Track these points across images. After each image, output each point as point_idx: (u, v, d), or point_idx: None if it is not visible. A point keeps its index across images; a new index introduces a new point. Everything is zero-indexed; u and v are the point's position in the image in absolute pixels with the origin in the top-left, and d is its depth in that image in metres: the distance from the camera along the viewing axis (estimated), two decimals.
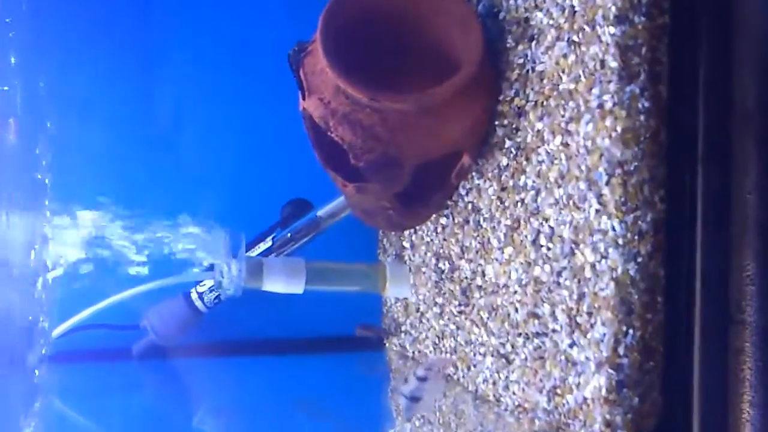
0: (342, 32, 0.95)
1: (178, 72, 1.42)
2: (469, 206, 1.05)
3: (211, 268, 1.23)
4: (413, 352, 1.26)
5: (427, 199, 1.06)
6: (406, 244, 1.25)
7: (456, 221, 1.08)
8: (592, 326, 0.84)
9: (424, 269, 1.18)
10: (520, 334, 0.94)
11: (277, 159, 1.42)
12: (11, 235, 1.01)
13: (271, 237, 1.31)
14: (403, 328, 1.29)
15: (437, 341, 1.15)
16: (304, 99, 0.97)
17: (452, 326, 1.10)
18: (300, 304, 1.31)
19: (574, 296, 0.86)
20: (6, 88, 0.86)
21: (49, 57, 1.33)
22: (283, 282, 1.19)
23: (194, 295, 1.30)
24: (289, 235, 1.30)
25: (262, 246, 1.30)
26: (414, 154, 0.94)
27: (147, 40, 1.41)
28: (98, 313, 1.25)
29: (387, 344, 1.37)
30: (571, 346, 0.86)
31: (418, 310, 1.22)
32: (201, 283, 1.30)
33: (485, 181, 1.01)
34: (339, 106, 0.94)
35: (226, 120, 1.42)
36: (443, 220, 1.11)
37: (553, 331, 0.89)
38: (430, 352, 1.18)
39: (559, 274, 0.88)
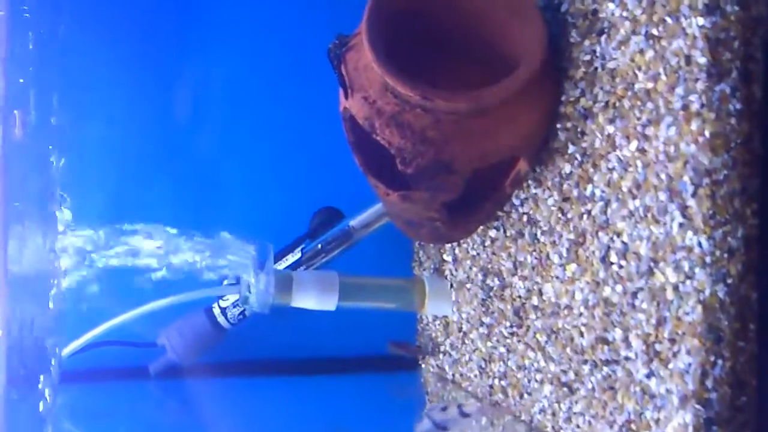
0: (389, 25, 0.86)
1: (200, 72, 1.33)
2: (524, 218, 0.95)
3: (236, 281, 1.15)
4: (453, 375, 1.16)
5: (477, 209, 0.96)
6: (448, 258, 1.15)
7: (508, 234, 0.99)
8: (674, 355, 0.74)
9: (468, 285, 1.09)
10: (585, 361, 0.85)
11: (305, 164, 1.33)
12: (23, 246, 0.92)
13: (299, 249, 1.21)
14: (442, 349, 1.20)
15: (483, 364, 1.06)
16: (346, 98, 0.88)
17: (502, 349, 1.01)
18: (328, 321, 1.22)
19: (653, 321, 0.76)
20: (21, 80, 0.78)
21: (65, 57, 1.25)
22: (314, 297, 1.10)
23: (217, 311, 1.21)
24: (319, 246, 1.21)
25: (291, 258, 1.21)
26: (468, 160, 0.85)
27: (166, 41, 1.32)
28: (113, 329, 1.16)
29: (423, 365, 1.28)
30: (648, 376, 0.77)
31: (460, 329, 1.12)
32: (224, 298, 1.21)
33: (544, 190, 0.92)
34: (386, 105, 0.85)
35: (249, 122, 1.33)
36: (492, 233, 1.02)
37: (626, 358, 0.80)
38: (475, 375, 1.08)
39: (634, 295, 0.79)
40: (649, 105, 0.77)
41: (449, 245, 1.14)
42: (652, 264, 0.77)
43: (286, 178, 1.33)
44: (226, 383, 1.27)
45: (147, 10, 1.33)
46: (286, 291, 1.09)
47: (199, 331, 1.21)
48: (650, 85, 0.77)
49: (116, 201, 1.24)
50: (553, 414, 0.90)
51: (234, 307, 1.21)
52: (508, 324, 0.99)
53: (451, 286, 1.14)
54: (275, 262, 1.21)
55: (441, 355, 1.20)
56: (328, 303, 1.11)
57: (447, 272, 1.16)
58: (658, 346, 0.76)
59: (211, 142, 1.31)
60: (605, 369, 0.82)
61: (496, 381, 1.02)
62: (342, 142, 1.30)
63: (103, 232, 1.12)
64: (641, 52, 0.78)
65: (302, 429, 1.19)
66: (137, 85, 1.29)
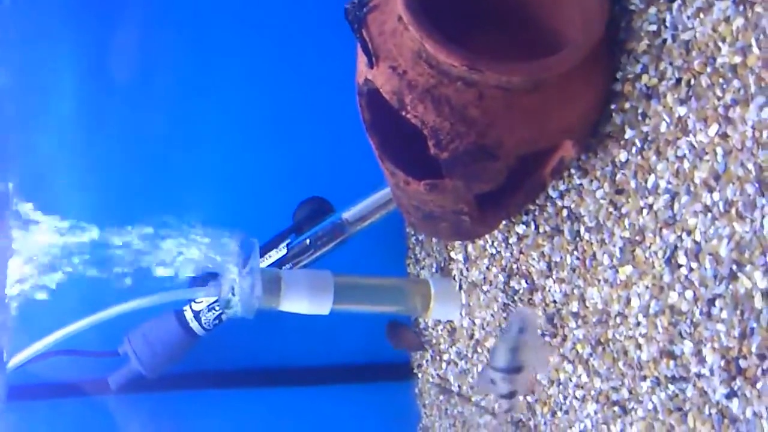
0: None
1: (176, 55, 1.16)
2: (564, 212, 0.84)
3: (205, 281, 1.00)
4: (460, 386, 1.04)
5: (504, 201, 0.84)
6: (457, 256, 1.03)
7: (541, 230, 0.87)
8: (765, 373, 0.64)
9: (485, 287, 0.96)
10: (644, 377, 0.74)
11: (288, 150, 1.18)
12: None
13: (284, 244, 1.07)
14: (444, 357, 1.07)
15: None
16: (371, 67, 0.74)
17: None
18: (312, 327, 1.08)
19: (735, 333, 0.66)
20: None
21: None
22: (306, 300, 0.97)
23: (189, 315, 1.06)
24: (307, 241, 1.07)
25: (275, 255, 1.07)
26: (515, 144, 0.72)
27: (144, 31, 1.15)
28: (68, 337, 0.99)
29: (420, 374, 1.15)
30: (728, 396, 0.66)
31: (471, 336, 1.00)
32: (197, 300, 1.05)
33: (591, 180, 0.80)
34: (419, 77, 0.72)
35: (225, 102, 1.17)
36: (520, 228, 0.90)
37: (699, 375, 0.69)
38: None
39: (710, 302, 0.68)
40: (736, 83, 0.66)
41: (459, 242, 1.02)
42: (734, 267, 0.66)
43: (267, 164, 1.17)
44: (198, 396, 1.11)
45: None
46: (274, 293, 0.95)
47: (168, 337, 1.05)
48: (738, 59, 0.66)
49: (86, 193, 1.08)
50: None
51: (209, 310, 1.05)
52: (538, 332, 0.87)
53: (460, 287, 1.02)
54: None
55: (444, 364, 1.08)
56: (322, 306, 0.98)
57: (455, 272, 1.03)
58: (742, 362, 0.65)
59: (183, 128, 1.15)
60: (671, 387, 0.71)
61: (520, 396, 0.90)
62: (330, 124, 1.18)
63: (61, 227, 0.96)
64: (727, 20, 0.67)
65: None
66: (113, 69, 1.12)
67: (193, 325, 1.05)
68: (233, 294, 0.94)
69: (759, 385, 0.64)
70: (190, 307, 1.06)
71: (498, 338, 0.76)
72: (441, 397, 1.07)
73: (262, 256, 1.07)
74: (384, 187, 1.06)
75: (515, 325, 0.72)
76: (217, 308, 1.04)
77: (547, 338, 0.86)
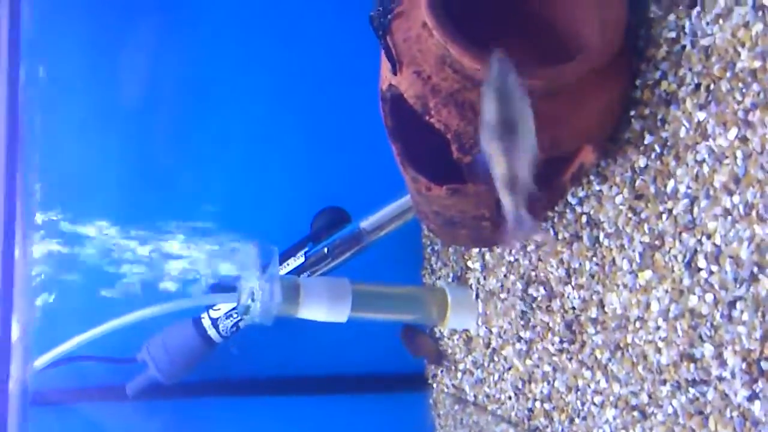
0: None
1: (198, 64, 1.18)
2: (583, 218, 0.84)
3: (218, 287, 1.01)
4: (476, 396, 1.04)
5: (528, 208, 0.85)
6: (474, 265, 1.04)
7: (560, 237, 0.88)
8: None
9: (503, 296, 0.97)
10: (664, 381, 0.74)
11: (306, 160, 1.19)
12: None
13: (302, 252, 1.08)
14: (460, 366, 1.07)
15: (521, 385, 0.94)
16: (394, 73, 0.75)
17: (546, 367, 0.89)
18: (323, 336, 1.09)
19: (756, 335, 0.66)
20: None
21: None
22: (325, 307, 0.97)
23: (206, 322, 1.06)
24: (325, 250, 1.07)
25: (293, 263, 1.07)
26: (539, 147, 0.73)
27: (165, 40, 1.18)
28: (87, 343, 1.00)
29: (435, 384, 1.15)
30: (750, 398, 0.66)
31: (488, 345, 1.00)
32: (215, 308, 1.06)
33: (611, 186, 0.81)
34: (443, 81, 0.73)
35: (246, 113, 1.19)
36: (539, 236, 0.91)
37: (720, 378, 0.69)
38: (509, 397, 0.96)
39: (731, 305, 0.68)
40: (755, 87, 0.67)
41: (477, 250, 1.02)
42: (755, 269, 0.66)
43: (286, 174, 1.19)
44: (213, 404, 1.12)
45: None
46: (293, 300, 0.96)
47: (185, 344, 1.05)
48: (757, 63, 0.67)
49: (105, 200, 1.10)
50: None
51: (227, 317, 1.06)
52: (556, 339, 0.88)
53: (477, 296, 1.02)
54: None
55: (459, 374, 1.08)
56: (340, 314, 0.98)
57: (472, 281, 1.04)
58: (764, 364, 0.66)
59: (203, 137, 1.17)
60: (692, 390, 0.71)
61: (538, 404, 0.91)
62: (348, 136, 1.19)
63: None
64: (746, 25, 0.68)
65: None
66: (133, 76, 1.14)
67: (211, 332, 1.06)
68: (252, 300, 0.95)
69: None
70: (208, 314, 1.06)
71: (483, 90, 0.66)
72: (456, 407, 1.07)
73: (281, 264, 1.08)
74: (401, 196, 1.07)
75: (495, 66, 0.64)
76: (234, 315, 1.05)
77: (564, 344, 0.86)
